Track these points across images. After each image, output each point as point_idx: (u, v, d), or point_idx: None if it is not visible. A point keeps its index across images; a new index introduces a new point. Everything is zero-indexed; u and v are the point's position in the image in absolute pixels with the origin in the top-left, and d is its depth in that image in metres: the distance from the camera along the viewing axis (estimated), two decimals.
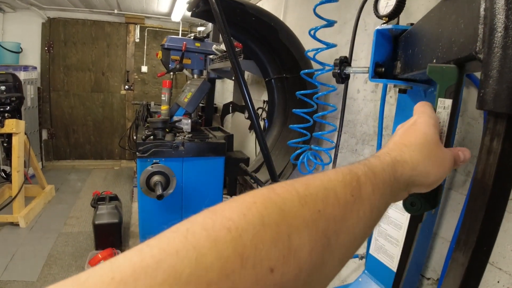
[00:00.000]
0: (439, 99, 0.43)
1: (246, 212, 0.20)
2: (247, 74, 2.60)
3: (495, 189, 0.34)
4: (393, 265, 0.94)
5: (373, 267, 1.01)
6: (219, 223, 0.19)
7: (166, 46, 2.55)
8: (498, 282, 0.88)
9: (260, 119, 2.31)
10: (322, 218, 0.23)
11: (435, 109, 0.43)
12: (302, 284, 0.21)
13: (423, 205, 0.42)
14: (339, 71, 0.91)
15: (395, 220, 0.93)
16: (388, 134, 1.18)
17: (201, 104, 3.29)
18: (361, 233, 0.26)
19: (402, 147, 0.35)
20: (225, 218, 0.20)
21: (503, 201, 0.34)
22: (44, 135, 4.56)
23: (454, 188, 1.00)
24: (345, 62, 0.92)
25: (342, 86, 1.26)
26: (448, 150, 0.38)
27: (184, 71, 2.67)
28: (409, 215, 0.90)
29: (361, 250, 1.29)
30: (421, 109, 0.41)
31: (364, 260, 1.14)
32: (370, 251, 1.02)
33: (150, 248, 0.17)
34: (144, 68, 4.80)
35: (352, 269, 1.39)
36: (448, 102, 0.42)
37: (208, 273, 0.17)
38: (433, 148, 0.36)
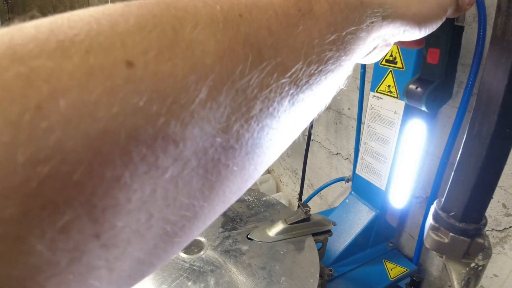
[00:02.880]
0: None
1: (110, 7, 0.13)
2: None
3: None
4: (381, 183, 0.89)
5: (360, 187, 0.97)
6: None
7: None
8: (492, 197, 0.85)
9: None
10: (246, 23, 0.15)
11: None
12: (211, 94, 0.13)
13: None
14: None
15: (383, 136, 0.86)
16: None
17: None
18: (318, 61, 0.19)
19: None
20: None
21: None
22: None
23: None
24: None
25: None
26: None
27: None
28: (397, 129, 0.84)
29: (347, 173, 1.25)
30: None
31: (350, 182, 1.10)
32: (357, 171, 0.97)
33: None
34: None
35: (339, 193, 1.37)
36: None
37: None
38: None
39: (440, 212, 0.32)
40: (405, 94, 0.34)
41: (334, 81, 0.21)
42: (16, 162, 0.09)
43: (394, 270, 0.95)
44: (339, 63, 0.20)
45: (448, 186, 0.31)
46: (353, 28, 0.21)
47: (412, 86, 0.34)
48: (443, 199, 0.33)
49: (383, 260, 0.97)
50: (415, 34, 0.27)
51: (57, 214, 0.10)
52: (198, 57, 0.13)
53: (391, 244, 1.03)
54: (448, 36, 0.30)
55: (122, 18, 0.12)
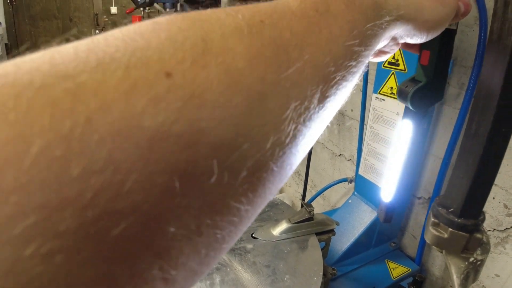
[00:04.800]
0: None
1: (140, 26, 0.14)
2: (223, 4, 2.42)
3: None
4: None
5: (363, 187, 0.98)
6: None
7: None
8: (493, 198, 0.86)
9: None
10: (268, 27, 0.16)
11: None
12: (247, 97, 0.14)
13: None
14: None
15: (385, 137, 0.87)
16: None
17: None
18: (342, 54, 0.19)
19: None
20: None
21: None
22: None
23: (446, 102, 0.94)
24: None
25: None
26: None
27: (156, 5, 2.49)
28: (399, 129, 0.85)
29: (350, 174, 1.26)
30: None
31: (353, 183, 1.11)
32: (359, 172, 0.98)
33: None
34: (114, 9, 4.45)
35: (342, 194, 1.37)
36: None
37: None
38: None
39: (439, 208, 0.33)
40: (397, 92, 0.35)
41: (356, 75, 0.21)
42: (70, 175, 0.10)
43: (397, 270, 0.96)
44: (361, 58, 0.21)
45: (447, 183, 0.33)
46: (371, 24, 0.22)
47: (403, 85, 0.35)
48: (442, 196, 0.34)
49: (386, 260, 0.98)
50: (423, 38, 0.28)
51: (111, 224, 0.10)
52: (230, 63, 0.14)
53: (393, 244, 1.04)
54: (438, 39, 0.31)
55: (154, 34, 0.13)
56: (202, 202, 0.13)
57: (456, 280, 0.33)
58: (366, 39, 0.22)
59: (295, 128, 0.16)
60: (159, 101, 0.11)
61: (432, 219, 0.34)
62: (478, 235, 0.33)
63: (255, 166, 0.14)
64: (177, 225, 0.12)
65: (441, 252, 0.34)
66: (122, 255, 0.11)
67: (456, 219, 0.32)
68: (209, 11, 0.16)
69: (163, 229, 0.12)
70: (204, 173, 0.12)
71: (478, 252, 0.34)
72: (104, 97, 0.11)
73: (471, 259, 0.33)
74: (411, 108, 0.34)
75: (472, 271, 0.34)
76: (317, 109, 0.18)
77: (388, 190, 0.39)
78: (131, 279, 0.11)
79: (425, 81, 0.35)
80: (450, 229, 0.32)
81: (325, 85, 0.18)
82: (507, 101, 0.27)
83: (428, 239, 0.34)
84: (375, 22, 0.22)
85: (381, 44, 0.25)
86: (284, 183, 0.18)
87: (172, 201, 0.12)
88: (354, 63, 0.20)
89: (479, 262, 0.34)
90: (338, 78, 0.19)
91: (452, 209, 0.32)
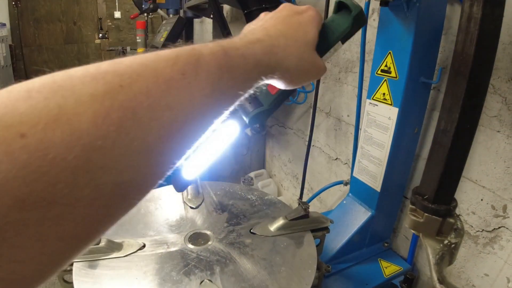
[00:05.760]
0: None
1: (16, 95, 0.18)
2: (226, 11, 2.48)
3: (477, 58, 0.31)
4: (376, 185, 0.94)
5: (357, 189, 1.02)
6: None
7: None
8: (482, 200, 0.89)
9: None
10: (124, 91, 0.20)
11: None
12: (86, 150, 0.18)
13: None
14: None
15: (378, 140, 0.92)
16: (370, 59, 1.13)
17: None
18: (198, 112, 0.23)
19: (279, 36, 0.31)
20: None
21: (487, 71, 0.31)
22: None
23: (437, 109, 0.99)
24: None
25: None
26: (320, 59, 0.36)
27: (159, 11, 2.54)
28: (391, 134, 0.90)
29: (346, 177, 1.30)
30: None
31: (348, 186, 1.15)
32: (354, 174, 1.02)
33: None
34: (117, 14, 4.51)
35: (338, 197, 1.41)
36: None
37: None
38: (308, 51, 0.33)
39: (416, 196, 0.38)
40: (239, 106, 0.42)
41: (211, 122, 0.26)
42: None
43: (389, 268, 0.99)
44: (219, 110, 0.26)
45: (422, 173, 0.37)
46: (240, 84, 0.26)
47: (246, 102, 0.41)
48: (419, 185, 0.38)
49: (379, 259, 1.02)
50: (287, 87, 0.34)
51: None
52: (76, 125, 0.18)
53: (386, 244, 1.07)
54: None
55: (24, 102, 0.18)
56: (41, 227, 0.17)
57: (432, 260, 0.37)
58: (228, 94, 0.26)
59: (142, 167, 0.21)
60: (11, 154, 0.16)
61: (410, 206, 0.38)
62: (451, 220, 0.37)
63: (95, 195, 0.19)
64: (18, 242, 0.17)
65: (419, 235, 0.38)
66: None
67: (430, 205, 0.36)
68: (78, 78, 0.20)
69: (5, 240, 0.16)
70: (43, 199, 0.17)
71: (452, 235, 0.38)
72: None
73: (446, 242, 0.37)
74: (247, 123, 0.40)
75: (447, 253, 0.38)
76: (159, 153, 0.22)
77: (195, 170, 0.45)
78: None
79: (267, 107, 0.40)
80: (425, 214, 0.37)
81: (174, 137, 0.22)
82: (470, 101, 0.32)
83: (407, 223, 0.39)
84: (246, 83, 0.27)
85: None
86: (126, 210, 0.22)
87: (12, 234, 0.16)
88: (216, 114, 0.25)
89: (453, 245, 0.38)
90: (194, 128, 0.24)
91: (426, 196, 0.37)
